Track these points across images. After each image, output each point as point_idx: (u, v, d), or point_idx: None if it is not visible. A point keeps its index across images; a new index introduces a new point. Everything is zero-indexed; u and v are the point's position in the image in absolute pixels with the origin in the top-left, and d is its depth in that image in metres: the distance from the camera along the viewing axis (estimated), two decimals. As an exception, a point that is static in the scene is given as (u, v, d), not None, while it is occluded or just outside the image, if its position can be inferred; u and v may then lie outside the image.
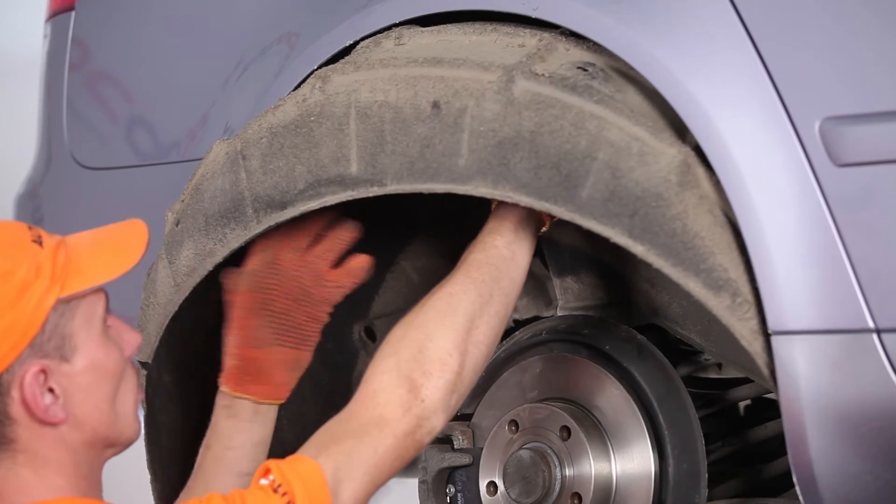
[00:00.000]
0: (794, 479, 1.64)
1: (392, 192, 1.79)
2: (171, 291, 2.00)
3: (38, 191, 2.62)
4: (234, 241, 1.93)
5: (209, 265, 1.96)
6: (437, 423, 1.74)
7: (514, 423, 2.06)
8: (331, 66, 1.90)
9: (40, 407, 1.65)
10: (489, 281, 1.80)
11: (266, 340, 1.99)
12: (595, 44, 1.77)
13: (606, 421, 2.03)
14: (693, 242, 1.63)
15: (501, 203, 1.86)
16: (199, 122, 2.29)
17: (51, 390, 1.67)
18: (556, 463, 2.02)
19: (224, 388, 1.99)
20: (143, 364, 2.05)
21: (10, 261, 1.65)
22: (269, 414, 2.01)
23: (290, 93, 1.96)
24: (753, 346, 1.63)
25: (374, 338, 2.32)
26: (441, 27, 1.91)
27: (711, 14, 1.67)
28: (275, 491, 1.63)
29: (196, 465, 1.99)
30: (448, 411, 1.75)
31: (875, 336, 1.57)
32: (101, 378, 1.71)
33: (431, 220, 2.25)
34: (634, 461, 2.00)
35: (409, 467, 2.47)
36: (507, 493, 2.04)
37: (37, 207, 2.58)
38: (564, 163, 1.68)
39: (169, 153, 2.35)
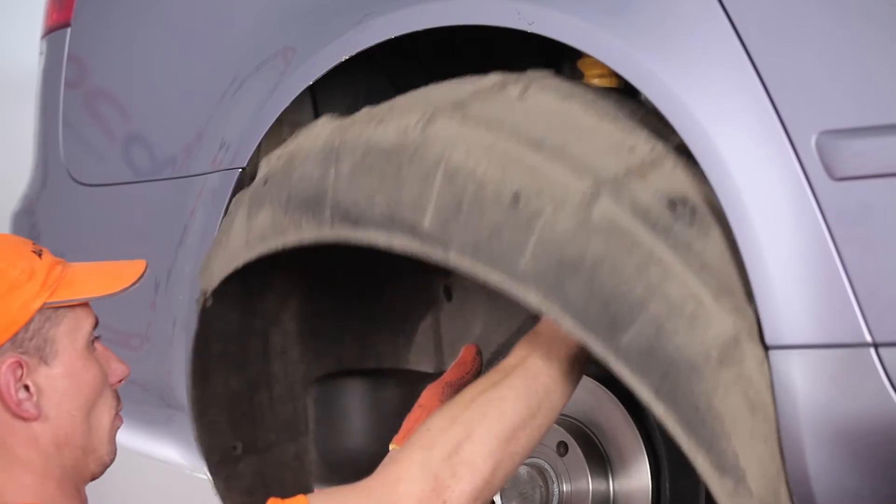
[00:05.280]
0: (792, 495, 1.64)
1: (451, 264, 1.78)
2: (240, 245, 2.03)
3: (34, 207, 2.62)
4: (307, 233, 1.93)
5: (279, 243, 1.97)
6: None
7: (511, 438, 2.05)
8: (441, 105, 1.87)
9: (13, 399, 1.73)
10: (542, 393, 1.79)
11: None
12: (697, 166, 1.72)
13: (604, 437, 2.03)
14: (712, 423, 1.61)
15: None
16: (195, 138, 2.28)
17: (26, 387, 1.74)
18: (554, 479, 2.02)
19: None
20: (205, 294, 2.11)
21: (5, 261, 1.76)
22: None
23: (390, 109, 1.93)
24: None
25: (450, 297, 2.35)
26: (572, 89, 1.88)
27: (707, 28, 1.66)
28: None
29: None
30: None
31: (873, 350, 1.56)
32: (77, 387, 1.78)
33: None
34: (632, 477, 1.99)
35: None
36: (505, 509, 2.04)
37: (33, 224, 2.59)
38: (615, 303, 1.65)
39: (164, 169, 2.35)
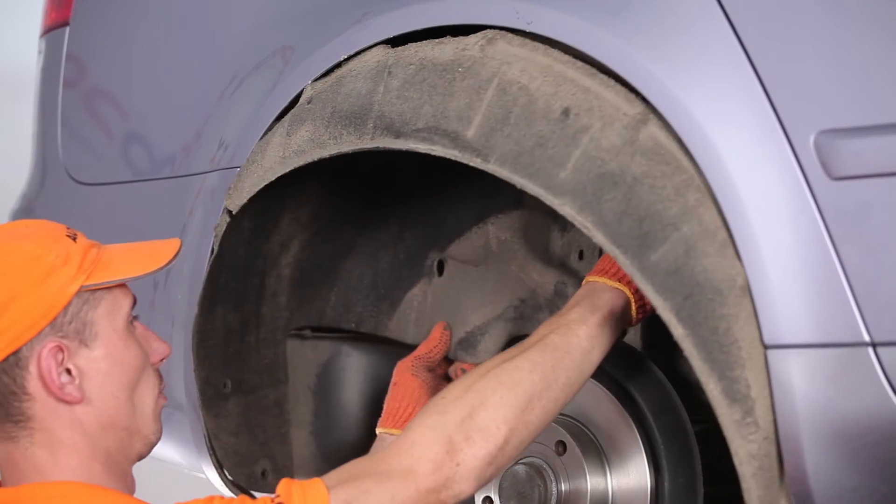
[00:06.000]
0: (790, 494, 1.64)
1: (490, 171, 1.80)
2: (275, 161, 2.05)
3: (33, 206, 2.63)
4: (347, 144, 1.95)
5: (316, 155, 1.99)
6: (466, 489, 1.76)
7: (509, 438, 2.05)
8: (504, 31, 1.88)
9: (55, 383, 1.75)
10: (559, 368, 1.82)
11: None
12: None
13: (602, 435, 2.03)
14: (729, 348, 1.62)
15: (596, 290, 1.88)
16: (194, 137, 2.29)
17: (68, 371, 1.76)
18: (552, 478, 2.02)
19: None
20: (230, 213, 2.13)
21: (41, 247, 1.77)
22: None
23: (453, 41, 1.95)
24: (743, 467, 1.62)
25: (441, 272, 2.37)
26: None
27: (706, 27, 1.66)
28: None
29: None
30: (480, 481, 1.77)
31: (871, 350, 1.56)
32: (119, 367, 1.80)
33: (536, 206, 2.28)
34: (630, 476, 1.99)
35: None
36: (503, 508, 2.04)
37: (32, 223, 2.58)
38: (649, 221, 1.67)
39: (163, 168, 2.35)
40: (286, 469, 2.34)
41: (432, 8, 1.93)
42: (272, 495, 1.71)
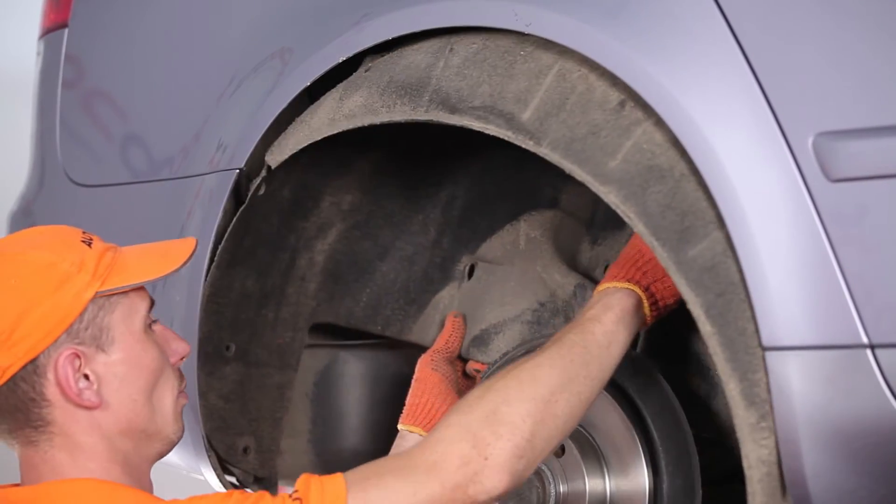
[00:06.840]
0: (789, 496, 1.64)
1: (541, 155, 1.81)
2: (324, 122, 2.06)
3: (31, 208, 2.63)
4: (399, 114, 1.96)
5: (367, 121, 2.00)
6: (498, 484, 1.75)
7: (508, 439, 2.05)
8: None
9: (73, 390, 1.76)
10: (578, 363, 1.83)
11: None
12: None
13: (601, 437, 2.03)
14: (755, 350, 1.62)
15: (609, 290, 1.90)
16: (193, 139, 2.29)
17: (86, 377, 1.77)
18: (551, 479, 2.02)
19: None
20: (269, 168, 2.14)
21: (56, 255, 1.78)
22: None
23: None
24: (751, 471, 1.62)
25: (471, 276, 2.37)
26: None
27: (704, 29, 1.66)
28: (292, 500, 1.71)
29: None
30: (513, 475, 1.76)
31: (869, 351, 1.57)
32: (136, 371, 1.81)
33: (571, 211, 2.30)
34: (629, 477, 1.99)
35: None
36: (502, 510, 2.04)
37: (31, 225, 2.58)
38: (692, 216, 1.68)
39: (162, 170, 2.35)
40: (270, 454, 2.33)
41: (431, 10, 1.94)
42: (291, 492, 1.72)
